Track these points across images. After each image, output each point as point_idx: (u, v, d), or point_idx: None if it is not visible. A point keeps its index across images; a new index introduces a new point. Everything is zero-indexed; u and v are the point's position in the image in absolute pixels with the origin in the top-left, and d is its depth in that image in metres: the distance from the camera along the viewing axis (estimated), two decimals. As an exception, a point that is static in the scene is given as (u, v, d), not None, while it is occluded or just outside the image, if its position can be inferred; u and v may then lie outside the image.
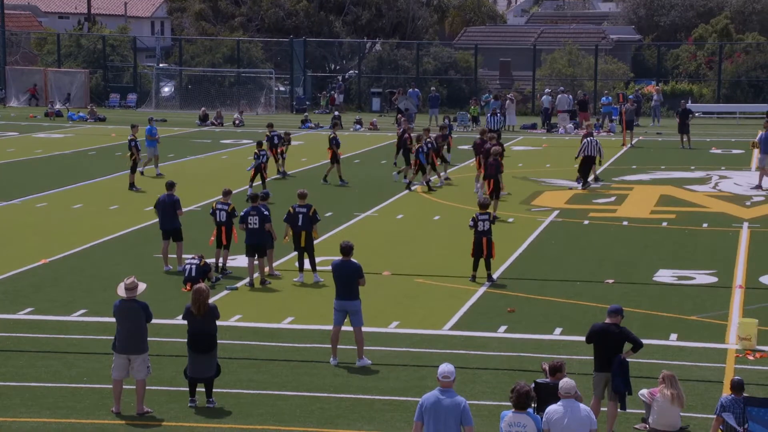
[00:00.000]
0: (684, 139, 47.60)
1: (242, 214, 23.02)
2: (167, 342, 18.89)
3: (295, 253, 23.48)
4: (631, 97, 55.25)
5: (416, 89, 62.19)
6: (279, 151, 37.36)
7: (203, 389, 15.93)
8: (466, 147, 43.10)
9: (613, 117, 54.97)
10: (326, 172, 36.36)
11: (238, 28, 73.79)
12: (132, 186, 34.82)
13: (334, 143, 35.92)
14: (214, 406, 15.73)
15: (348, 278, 17.65)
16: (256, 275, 23.10)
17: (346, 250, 18.00)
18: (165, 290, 22.56)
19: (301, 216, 23.05)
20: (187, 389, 16.03)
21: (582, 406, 12.32)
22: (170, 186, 24.61)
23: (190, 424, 15.17)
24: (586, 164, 35.49)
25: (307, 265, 23.21)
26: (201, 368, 15.77)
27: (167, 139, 46.78)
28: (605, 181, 37.37)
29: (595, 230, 29.30)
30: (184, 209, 24.80)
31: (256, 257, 22.90)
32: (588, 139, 35.27)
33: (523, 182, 37.45)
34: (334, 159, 35.99)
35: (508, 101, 54.99)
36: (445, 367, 12.06)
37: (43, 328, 19.81)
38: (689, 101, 56.04)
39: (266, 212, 23.04)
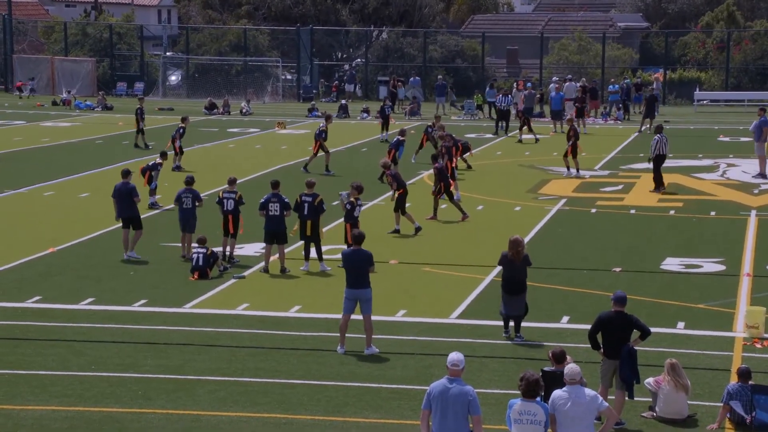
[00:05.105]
0: (644, 128, 47.92)
1: (263, 200, 23.02)
2: (174, 330, 18.92)
3: (302, 242, 23.50)
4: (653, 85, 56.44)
5: (417, 77, 62.06)
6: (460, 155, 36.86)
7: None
8: (472, 135, 43.02)
9: (619, 105, 54.90)
10: (312, 161, 36.79)
11: (245, 16, 73.72)
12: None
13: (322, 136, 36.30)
14: (522, 342, 18.14)
15: (359, 267, 17.64)
16: (273, 257, 23.12)
17: (358, 239, 18.00)
18: (172, 279, 22.60)
19: (306, 205, 23.03)
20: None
21: (587, 390, 12.31)
22: (125, 174, 24.67)
23: (197, 412, 15.19)
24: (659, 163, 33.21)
25: (313, 254, 23.22)
26: (513, 307, 18.13)
27: (174, 128, 46.63)
28: (612, 170, 37.27)
29: (603, 218, 29.26)
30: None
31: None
32: (658, 136, 32.95)
33: (530, 171, 37.38)
34: (323, 149, 36.45)
35: (514, 90, 54.73)
36: (455, 356, 12.04)
37: (51, 316, 19.84)
38: (656, 87, 56.82)
39: (286, 199, 23.06)
